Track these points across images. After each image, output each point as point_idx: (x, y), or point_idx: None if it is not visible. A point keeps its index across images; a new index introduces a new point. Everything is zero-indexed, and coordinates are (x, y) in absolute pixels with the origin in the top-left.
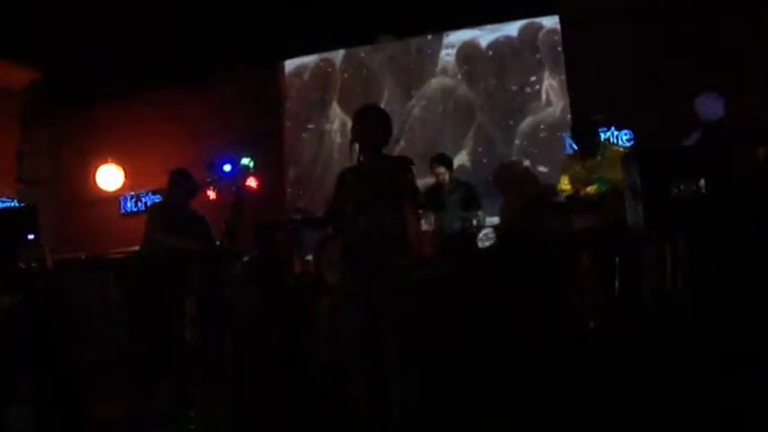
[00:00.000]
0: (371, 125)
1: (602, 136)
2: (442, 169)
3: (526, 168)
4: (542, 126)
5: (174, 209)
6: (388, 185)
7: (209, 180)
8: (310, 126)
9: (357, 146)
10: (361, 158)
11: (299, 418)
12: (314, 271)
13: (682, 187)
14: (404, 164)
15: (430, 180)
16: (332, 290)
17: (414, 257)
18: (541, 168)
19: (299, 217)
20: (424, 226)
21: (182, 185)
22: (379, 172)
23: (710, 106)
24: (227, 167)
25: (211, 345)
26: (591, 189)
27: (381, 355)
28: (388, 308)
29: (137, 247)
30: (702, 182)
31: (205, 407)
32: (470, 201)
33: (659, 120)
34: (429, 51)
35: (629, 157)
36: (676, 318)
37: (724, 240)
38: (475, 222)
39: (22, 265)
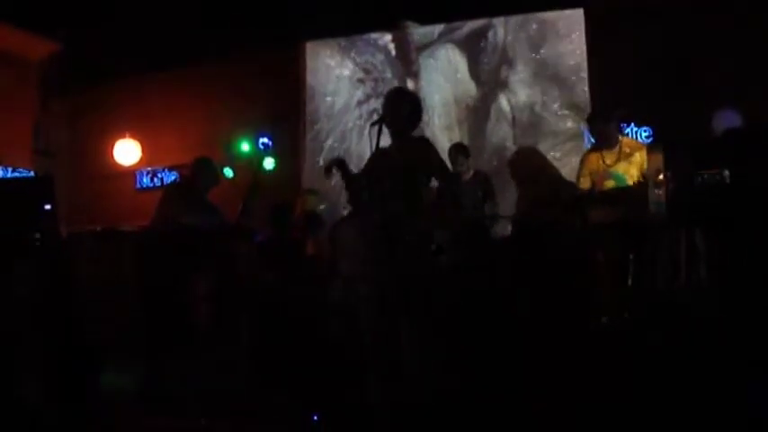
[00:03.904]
0: (401, 109)
1: (624, 131)
2: (461, 158)
3: (543, 160)
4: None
5: (192, 193)
6: (416, 167)
7: (226, 159)
8: (329, 108)
9: (377, 128)
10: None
11: (310, 398)
12: (327, 254)
13: (705, 177)
14: (426, 143)
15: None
16: (344, 273)
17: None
18: (560, 162)
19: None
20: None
21: (204, 174)
22: (406, 156)
23: (726, 121)
24: (245, 147)
25: (225, 321)
26: (608, 183)
27: (396, 339)
28: (403, 289)
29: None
30: (726, 172)
31: (216, 383)
32: (485, 191)
33: (680, 119)
34: (449, 39)
35: (653, 145)
36: (694, 312)
37: (746, 231)
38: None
39: (37, 235)
